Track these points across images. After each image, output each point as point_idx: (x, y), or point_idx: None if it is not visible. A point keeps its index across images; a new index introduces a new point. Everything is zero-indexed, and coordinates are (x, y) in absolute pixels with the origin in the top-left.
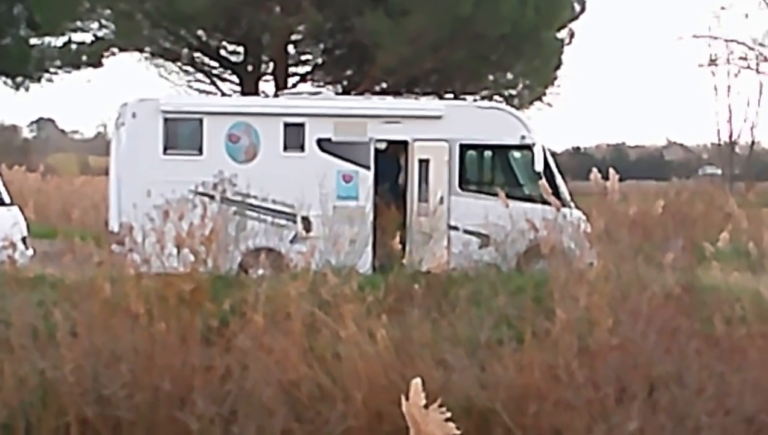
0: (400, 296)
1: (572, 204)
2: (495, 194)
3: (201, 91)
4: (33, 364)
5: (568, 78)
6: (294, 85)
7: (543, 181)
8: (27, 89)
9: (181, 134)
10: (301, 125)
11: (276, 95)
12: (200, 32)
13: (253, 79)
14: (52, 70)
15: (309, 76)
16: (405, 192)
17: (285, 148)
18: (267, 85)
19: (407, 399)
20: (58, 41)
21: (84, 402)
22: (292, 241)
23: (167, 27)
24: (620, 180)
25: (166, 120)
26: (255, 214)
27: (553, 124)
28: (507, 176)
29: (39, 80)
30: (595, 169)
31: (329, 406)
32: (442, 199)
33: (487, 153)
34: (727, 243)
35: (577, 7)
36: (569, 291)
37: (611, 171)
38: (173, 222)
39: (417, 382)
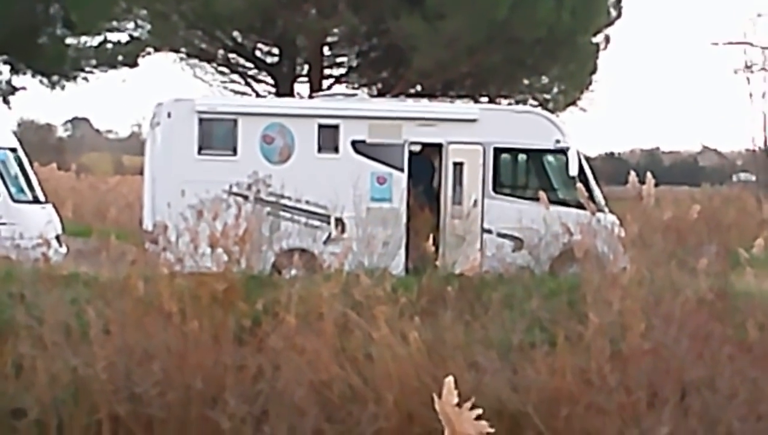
0: (432, 298)
1: (606, 208)
2: (529, 198)
3: (236, 92)
4: (65, 361)
5: (603, 83)
6: (329, 87)
7: (579, 185)
8: (63, 88)
9: (216, 135)
10: (336, 127)
11: (311, 97)
12: (236, 33)
13: (288, 80)
14: (87, 69)
15: (344, 79)
16: (439, 194)
17: (319, 150)
18: (302, 87)
19: (440, 398)
20: (94, 41)
21: (116, 399)
22: (325, 242)
23: (203, 28)
24: (655, 185)
25: (201, 120)
26: (289, 215)
27: (587, 129)
28: (541, 180)
29: (74, 79)
30: (633, 173)
31: (361, 407)
32: (475, 202)
33: (522, 157)
34: (762, 249)
35: (613, 13)
36: (602, 295)
37: (648, 175)
38: (207, 222)
39: (450, 380)
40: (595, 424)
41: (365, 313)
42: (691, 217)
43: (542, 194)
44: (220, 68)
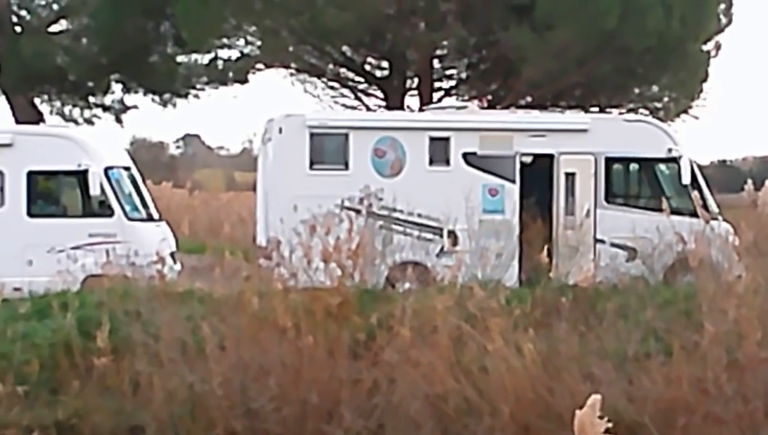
0: (547, 310)
1: (720, 217)
2: (641, 207)
3: (346, 107)
4: (182, 377)
5: (715, 90)
6: (439, 100)
7: (695, 193)
8: (174, 106)
9: (327, 149)
10: (447, 139)
11: (421, 110)
12: (345, 48)
13: (398, 94)
14: (198, 86)
15: (454, 91)
16: (551, 205)
17: (431, 163)
18: (412, 100)
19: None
20: (205, 58)
21: (232, 415)
22: (438, 255)
23: (312, 43)
24: None
25: (312, 135)
26: (401, 229)
27: (699, 137)
28: (653, 189)
29: (186, 97)
30: (749, 181)
31: (476, 420)
32: (588, 212)
33: (634, 166)
34: None
35: (724, 20)
36: (717, 304)
37: (767, 183)
38: (320, 236)
39: (597, 398)
40: (713, 433)
41: (479, 326)
42: None
43: (655, 203)
44: (330, 83)
